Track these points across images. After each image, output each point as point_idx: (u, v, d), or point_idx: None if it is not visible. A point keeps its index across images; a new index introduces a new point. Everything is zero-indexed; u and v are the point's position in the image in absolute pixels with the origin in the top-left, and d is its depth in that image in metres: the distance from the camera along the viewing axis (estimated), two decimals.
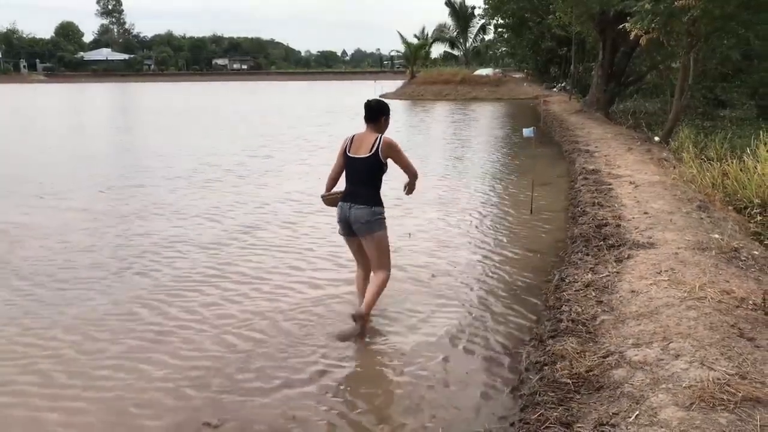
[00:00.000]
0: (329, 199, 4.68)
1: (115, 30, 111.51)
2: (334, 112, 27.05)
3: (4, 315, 4.76)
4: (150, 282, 5.49)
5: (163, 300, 5.07)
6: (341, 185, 4.58)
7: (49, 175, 10.97)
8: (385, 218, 4.51)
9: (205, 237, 6.87)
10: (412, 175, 4.62)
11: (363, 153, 4.43)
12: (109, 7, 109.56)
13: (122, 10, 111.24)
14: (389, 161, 4.48)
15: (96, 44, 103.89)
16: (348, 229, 4.53)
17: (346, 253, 5.12)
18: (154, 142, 16.68)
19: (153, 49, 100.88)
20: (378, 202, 4.47)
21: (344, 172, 4.56)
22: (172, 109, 29.21)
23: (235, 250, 6.40)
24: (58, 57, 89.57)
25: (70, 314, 4.77)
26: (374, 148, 4.39)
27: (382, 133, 4.51)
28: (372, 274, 4.59)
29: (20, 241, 6.71)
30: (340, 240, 4.82)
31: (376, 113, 4.51)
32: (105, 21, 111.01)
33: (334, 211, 4.58)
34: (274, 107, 30.96)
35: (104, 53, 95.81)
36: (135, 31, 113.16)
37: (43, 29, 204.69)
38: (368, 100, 4.58)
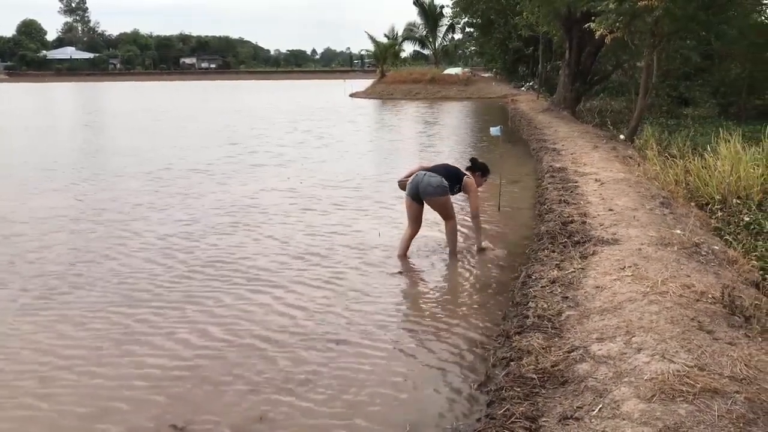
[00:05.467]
0: (403, 184, 6.11)
1: (80, 28, 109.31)
2: (326, 109, 27.64)
3: None
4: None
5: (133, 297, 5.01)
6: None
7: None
8: (449, 191, 5.88)
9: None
10: (474, 215, 6.17)
11: (456, 168, 6.19)
12: (73, 4, 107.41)
13: (86, 8, 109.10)
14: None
15: (60, 43, 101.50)
16: (415, 192, 5.87)
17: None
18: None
19: (119, 47, 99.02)
20: (446, 184, 5.84)
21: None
22: (166, 110, 28.52)
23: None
24: (20, 56, 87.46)
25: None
26: (463, 174, 6.06)
27: (475, 183, 6.13)
28: (445, 223, 6.09)
29: None
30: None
31: (476, 166, 6.31)
32: (69, 19, 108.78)
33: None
34: (266, 105, 30.81)
35: (68, 52, 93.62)
36: (100, 30, 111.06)
37: (4, 27, 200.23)
38: (472, 158, 6.54)
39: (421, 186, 5.82)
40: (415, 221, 6.02)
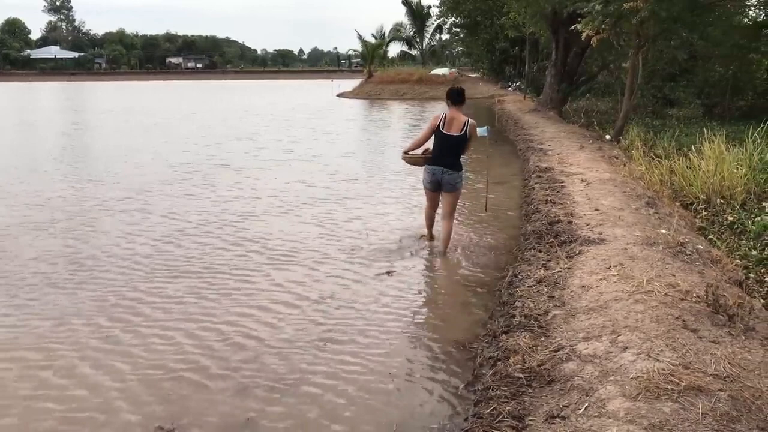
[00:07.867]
0: (411, 159, 6.33)
1: (64, 27, 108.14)
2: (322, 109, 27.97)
3: None
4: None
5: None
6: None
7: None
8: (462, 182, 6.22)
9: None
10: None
11: (455, 132, 6.02)
12: (57, 3, 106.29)
13: (71, 7, 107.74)
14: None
15: (44, 42, 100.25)
16: (437, 186, 6.15)
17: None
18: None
19: (104, 47, 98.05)
20: (462, 168, 6.15)
21: (436, 144, 6.11)
22: (162, 109, 28.32)
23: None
24: (3, 55, 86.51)
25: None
26: (464, 129, 6.01)
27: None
28: (442, 221, 6.27)
29: None
30: None
31: (463, 97, 6.21)
32: (53, 18, 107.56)
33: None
34: (260, 105, 30.77)
35: (52, 51, 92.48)
36: (85, 29, 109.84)
37: None
38: (455, 87, 6.35)
39: (443, 183, 6.09)
40: (435, 202, 6.36)
